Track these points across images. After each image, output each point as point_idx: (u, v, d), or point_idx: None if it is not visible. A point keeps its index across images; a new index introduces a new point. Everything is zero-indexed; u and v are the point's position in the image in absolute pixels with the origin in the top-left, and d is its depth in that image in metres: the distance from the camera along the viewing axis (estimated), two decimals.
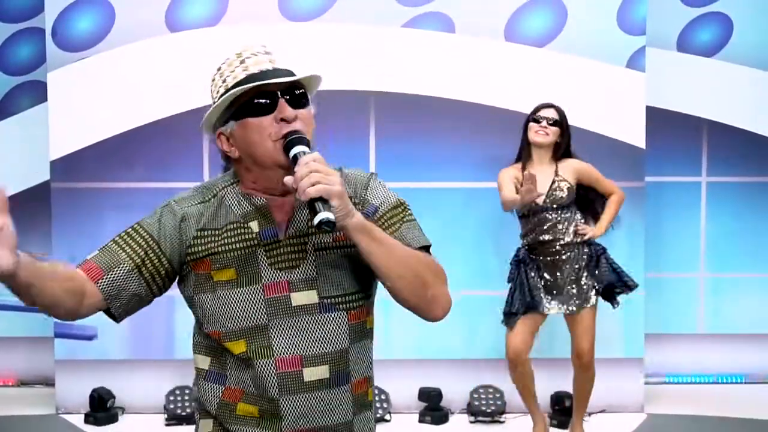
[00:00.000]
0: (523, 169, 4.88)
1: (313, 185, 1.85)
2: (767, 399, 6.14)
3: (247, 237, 2.02)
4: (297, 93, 2.03)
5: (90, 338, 5.75)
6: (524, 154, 4.97)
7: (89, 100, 5.64)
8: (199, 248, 2.04)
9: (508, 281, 5.05)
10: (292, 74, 2.04)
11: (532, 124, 4.92)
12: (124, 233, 2.09)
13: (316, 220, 1.86)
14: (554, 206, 4.89)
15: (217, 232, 2.04)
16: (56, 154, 5.67)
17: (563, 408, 5.55)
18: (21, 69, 6.32)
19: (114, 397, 5.65)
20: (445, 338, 5.78)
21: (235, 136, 2.04)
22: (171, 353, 5.77)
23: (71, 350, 5.74)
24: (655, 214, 6.14)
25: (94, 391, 5.61)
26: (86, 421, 5.58)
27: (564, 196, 4.90)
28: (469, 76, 5.68)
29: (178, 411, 5.53)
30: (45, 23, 5.66)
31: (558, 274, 4.92)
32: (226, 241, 2.02)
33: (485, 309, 5.68)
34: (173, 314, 5.75)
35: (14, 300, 6.34)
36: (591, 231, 4.95)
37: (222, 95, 2.03)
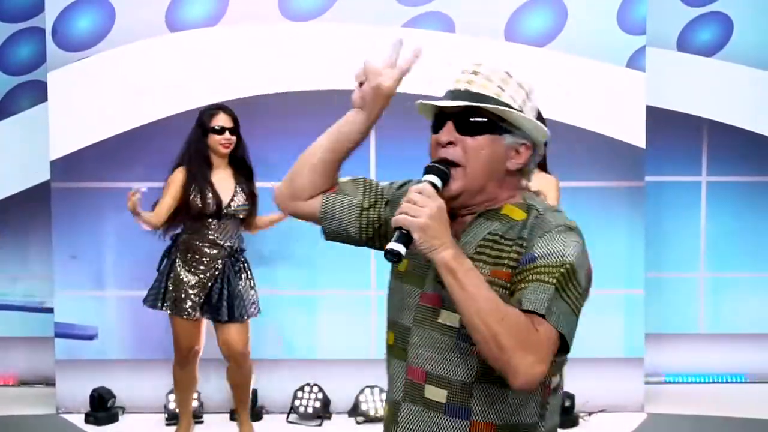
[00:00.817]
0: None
1: (399, 214, 1.87)
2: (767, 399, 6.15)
3: None
4: (471, 120, 1.98)
5: (90, 338, 5.75)
6: None
7: (89, 100, 5.64)
8: (389, 205, 2.16)
9: None
10: (481, 99, 1.98)
11: None
12: (370, 180, 2.29)
13: (386, 247, 1.87)
14: None
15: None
16: (56, 153, 5.67)
17: (563, 408, 5.55)
18: (21, 69, 6.32)
19: (114, 397, 5.65)
20: None
21: None
22: (171, 353, 5.75)
23: (71, 350, 5.74)
24: (655, 213, 6.14)
25: (94, 390, 5.61)
26: (86, 421, 5.58)
27: None
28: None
29: (179, 411, 5.53)
30: (45, 23, 5.66)
31: None
32: None
33: None
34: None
35: (15, 300, 6.24)
36: None
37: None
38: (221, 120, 4.85)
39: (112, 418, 5.61)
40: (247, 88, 5.63)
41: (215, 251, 4.86)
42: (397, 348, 2.06)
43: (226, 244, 4.89)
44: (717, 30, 6.35)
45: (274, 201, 2.24)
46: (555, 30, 5.70)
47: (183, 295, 4.86)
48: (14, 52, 6.32)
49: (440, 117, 2.03)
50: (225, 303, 4.87)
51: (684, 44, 6.34)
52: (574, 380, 5.44)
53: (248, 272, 5.04)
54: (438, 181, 1.95)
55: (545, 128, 2.01)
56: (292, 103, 5.65)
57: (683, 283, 6.44)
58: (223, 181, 4.89)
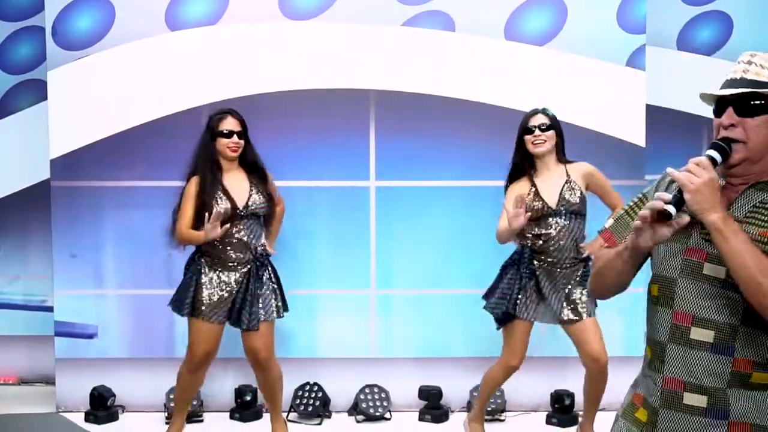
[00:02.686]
0: (532, 181, 4.77)
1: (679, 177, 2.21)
2: None
3: None
4: (749, 103, 2.27)
5: (90, 337, 5.76)
6: (527, 166, 4.80)
7: (89, 99, 5.64)
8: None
9: (498, 280, 4.94)
10: (755, 85, 2.26)
11: (526, 137, 4.76)
12: (634, 202, 2.52)
13: (661, 207, 2.18)
14: (565, 211, 4.75)
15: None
16: (56, 152, 5.67)
17: (563, 406, 5.56)
18: (21, 67, 6.32)
19: (114, 396, 5.66)
20: (445, 337, 5.79)
21: None
22: (171, 351, 5.77)
23: (72, 349, 5.75)
24: None
25: (94, 389, 5.61)
26: (86, 420, 5.59)
27: (575, 201, 4.75)
28: (469, 75, 5.69)
29: (175, 411, 5.53)
30: (45, 22, 5.67)
31: (553, 284, 4.80)
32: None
33: None
34: (173, 313, 5.76)
35: (15, 298, 6.25)
36: (590, 248, 4.76)
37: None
38: (229, 124, 4.83)
39: (112, 416, 5.62)
40: (247, 87, 5.63)
41: (240, 255, 4.78)
42: (663, 298, 2.34)
43: (251, 246, 4.81)
44: (717, 29, 6.35)
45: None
46: (555, 29, 5.71)
47: (207, 300, 4.81)
48: (14, 51, 6.32)
49: (721, 103, 2.33)
50: (247, 309, 4.80)
51: (684, 43, 6.34)
52: (573, 379, 5.45)
53: (272, 275, 4.93)
54: (717, 156, 2.26)
55: None
56: (292, 101, 5.65)
57: None
58: (237, 183, 4.81)
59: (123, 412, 5.71)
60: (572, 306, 4.81)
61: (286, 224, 5.44)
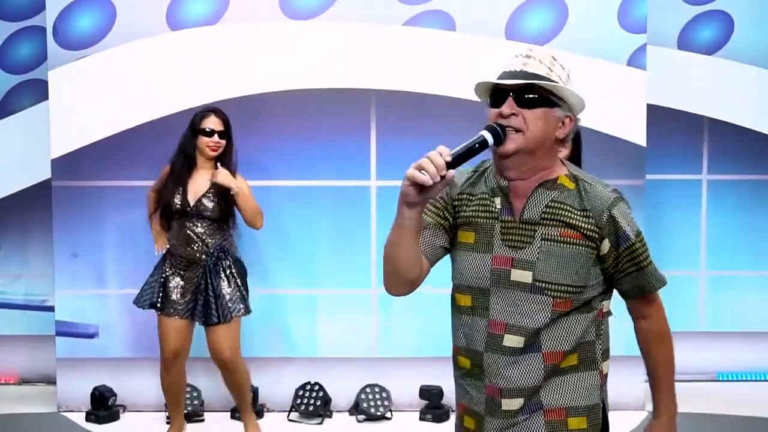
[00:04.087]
0: None
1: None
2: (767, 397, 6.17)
3: (491, 210, 2.35)
4: (528, 95, 2.28)
5: (91, 336, 5.76)
6: None
7: (90, 99, 5.64)
8: (454, 210, 2.41)
9: None
10: (536, 79, 2.29)
11: None
12: (429, 202, 2.41)
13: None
14: None
15: (469, 197, 2.40)
16: (57, 152, 5.67)
17: None
18: (22, 67, 6.32)
19: (115, 395, 5.66)
20: (446, 336, 5.78)
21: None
22: None
23: (72, 348, 5.75)
24: (655, 211, 6.14)
25: (95, 389, 5.61)
26: (87, 419, 5.59)
27: None
28: (470, 75, 5.66)
29: (170, 413, 5.54)
30: (46, 22, 5.67)
31: None
32: (472, 207, 2.39)
33: None
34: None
35: (16, 298, 6.24)
36: None
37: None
38: (211, 123, 4.84)
39: (113, 416, 5.62)
40: (248, 87, 5.63)
41: (193, 252, 4.82)
42: (477, 308, 2.34)
43: (205, 244, 4.83)
44: (718, 28, 6.35)
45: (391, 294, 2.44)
46: (556, 28, 5.71)
47: (168, 296, 4.86)
48: (15, 51, 6.32)
49: (499, 94, 2.30)
50: (206, 306, 4.83)
51: (685, 42, 6.34)
52: None
53: (232, 274, 4.91)
54: (489, 137, 2.25)
55: (584, 101, 2.36)
56: (293, 101, 5.65)
57: (684, 281, 6.45)
58: (200, 182, 4.85)
59: (124, 411, 5.71)
60: None
61: (286, 223, 5.45)
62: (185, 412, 5.51)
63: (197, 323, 4.94)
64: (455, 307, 2.41)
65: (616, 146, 5.69)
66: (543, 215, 2.30)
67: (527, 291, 2.29)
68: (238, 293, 4.93)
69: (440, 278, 5.57)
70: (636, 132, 5.70)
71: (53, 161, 5.69)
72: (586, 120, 5.80)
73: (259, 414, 5.63)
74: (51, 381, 6.04)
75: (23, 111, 6.30)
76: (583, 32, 5.69)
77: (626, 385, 5.74)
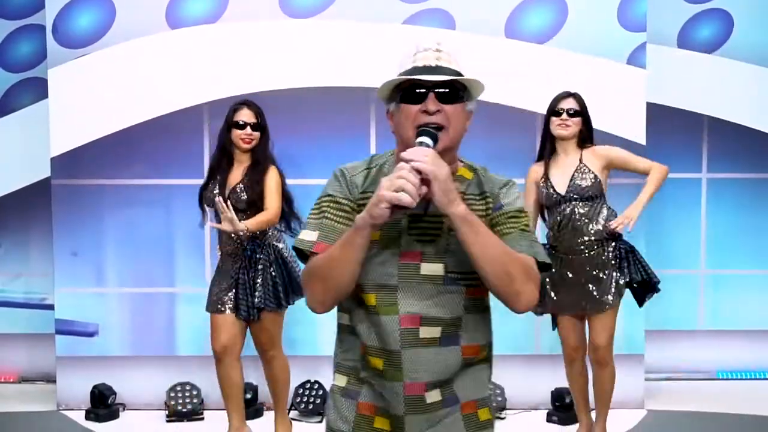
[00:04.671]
0: (546, 164, 4.76)
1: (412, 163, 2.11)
2: (767, 395, 6.16)
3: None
4: (449, 91, 2.27)
5: (91, 335, 5.76)
6: (547, 148, 4.80)
7: (90, 97, 5.64)
8: (361, 209, 2.25)
9: None
10: (455, 74, 2.30)
11: (553, 118, 4.74)
12: (330, 206, 2.37)
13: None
14: (576, 197, 4.68)
15: (372, 195, 2.23)
16: (57, 150, 5.68)
17: (564, 404, 5.56)
18: (21, 66, 6.33)
19: (115, 394, 5.66)
20: None
21: (394, 115, 2.37)
22: (172, 349, 5.78)
23: (72, 347, 5.75)
24: (655, 210, 6.13)
25: (95, 387, 5.61)
26: (87, 418, 5.59)
27: (587, 185, 4.69)
28: (469, 73, 5.67)
29: (179, 407, 5.55)
30: (45, 20, 5.67)
31: (577, 273, 4.71)
32: None
33: None
34: (174, 310, 5.76)
35: (16, 296, 6.25)
36: (622, 219, 4.63)
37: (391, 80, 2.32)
38: (244, 115, 4.81)
39: (112, 414, 5.62)
40: (248, 85, 5.63)
41: (232, 244, 4.77)
42: (383, 306, 2.27)
43: (241, 237, 4.73)
44: (717, 27, 6.36)
45: (319, 313, 2.32)
46: (555, 27, 5.71)
47: (216, 291, 4.83)
48: (15, 49, 6.32)
49: (414, 90, 2.27)
50: (242, 299, 4.75)
51: (684, 41, 6.35)
52: None
53: (270, 265, 4.77)
54: (431, 142, 2.20)
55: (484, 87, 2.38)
56: (292, 100, 5.65)
57: (683, 279, 6.45)
58: (235, 175, 4.81)
59: (124, 410, 5.71)
60: (593, 294, 4.73)
61: None
62: (184, 410, 5.52)
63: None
64: (363, 307, 2.30)
65: (615, 145, 5.68)
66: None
67: (440, 283, 2.26)
68: (270, 287, 4.78)
69: None
70: (636, 130, 5.70)
71: (53, 159, 5.69)
72: None
73: (259, 412, 5.63)
74: (51, 379, 6.04)
75: (23, 109, 6.30)
76: (582, 31, 5.69)
77: (626, 383, 5.74)
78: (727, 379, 6.46)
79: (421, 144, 2.18)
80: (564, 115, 4.72)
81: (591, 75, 5.68)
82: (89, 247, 5.78)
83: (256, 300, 4.75)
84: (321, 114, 5.68)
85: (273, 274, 4.79)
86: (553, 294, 4.77)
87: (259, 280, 4.76)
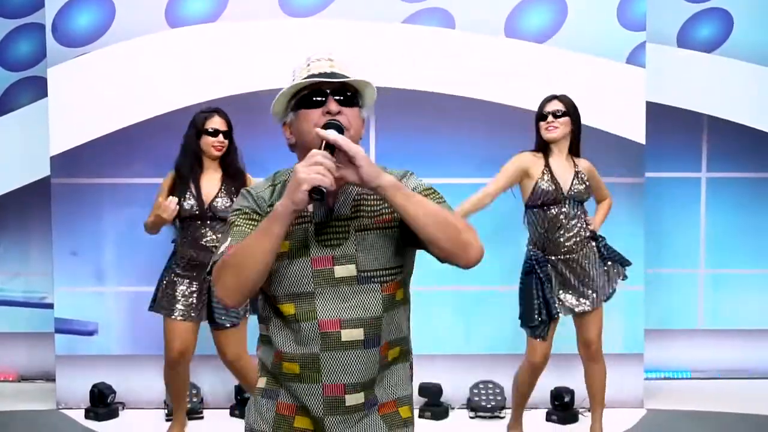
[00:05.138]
0: (546, 159, 4.73)
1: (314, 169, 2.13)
2: (767, 394, 6.16)
3: (302, 215, 2.29)
4: (348, 95, 2.34)
5: (90, 334, 5.76)
6: (546, 149, 4.79)
7: (89, 96, 5.64)
8: None
9: (520, 290, 4.83)
10: (346, 78, 2.34)
11: (541, 123, 4.76)
12: (240, 217, 2.34)
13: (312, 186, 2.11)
14: (575, 198, 4.72)
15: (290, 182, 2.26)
16: (56, 149, 5.68)
17: (563, 403, 5.56)
18: (21, 65, 6.33)
19: (114, 393, 5.66)
20: (445, 334, 5.79)
21: (292, 125, 2.42)
22: None
23: (72, 346, 5.75)
24: (654, 209, 6.15)
25: (94, 386, 5.62)
26: (87, 417, 5.59)
27: (584, 189, 4.74)
28: (469, 72, 5.69)
29: (173, 410, 5.54)
30: (45, 19, 5.67)
31: (572, 272, 4.76)
32: None
33: (485, 304, 5.71)
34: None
35: (15, 295, 6.21)
36: (593, 225, 4.82)
37: (286, 89, 2.39)
38: (215, 123, 4.82)
39: (112, 413, 5.62)
40: (247, 84, 5.63)
41: (206, 253, 4.77)
42: (302, 313, 2.29)
43: (215, 245, 4.81)
44: (717, 26, 6.36)
45: (226, 306, 2.31)
46: (555, 26, 5.71)
47: (176, 298, 4.83)
48: (14, 48, 6.33)
49: (315, 96, 2.33)
50: (215, 309, 4.84)
51: (684, 40, 6.35)
52: (573, 376, 5.46)
53: None
54: (338, 132, 2.22)
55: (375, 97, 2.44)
56: None
57: (683, 279, 6.45)
58: (210, 182, 4.83)
59: (123, 409, 5.71)
60: (583, 297, 4.79)
61: None
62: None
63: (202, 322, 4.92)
64: (281, 317, 2.32)
65: (615, 144, 5.69)
66: (353, 209, 2.32)
67: (354, 283, 2.29)
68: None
69: (440, 276, 5.56)
70: (635, 130, 5.70)
71: (52, 158, 5.69)
72: (585, 118, 5.83)
73: None
74: (50, 378, 6.04)
75: (22, 108, 6.31)
76: (582, 30, 5.69)
77: (624, 382, 5.74)
78: (726, 378, 6.45)
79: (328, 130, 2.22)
80: (550, 118, 4.72)
81: (590, 74, 5.68)
82: (89, 246, 5.78)
83: (224, 310, 4.85)
84: None
85: None
86: (546, 306, 4.77)
87: None
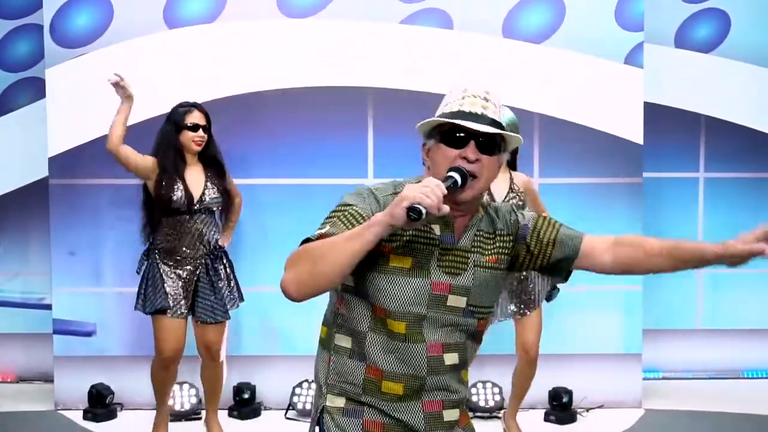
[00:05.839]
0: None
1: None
2: (765, 394, 6.17)
3: (430, 236, 2.34)
4: (491, 142, 2.32)
5: (89, 334, 5.76)
6: None
7: (87, 97, 5.63)
8: (392, 233, 2.24)
9: None
10: (496, 124, 2.31)
11: None
12: (342, 212, 2.32)
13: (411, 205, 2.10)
14: None
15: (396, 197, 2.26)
16: (54, 150, 5.67)
17: (561, 404, 5.56)
18: (19, 65, 6.32)
19: (113, 393, 5.66)
20: None
21: (431, 151, 2.40)
22: None
23: (70, 346, 5.75)
24: (653, 210, 6.15)
25: (92, 387, 5.61)
26: (85, 418, 5.59)
27: (518, 202, 4.77)
28: (467, 73, 5.69)
29: (177, 407, 5.54)
30: (43, 19, 5.66)
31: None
32: (412, 233, 2.32)
33: None
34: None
35: (13, 296, 6.21)
36: None
37: (437, 116, 2.37)
38: (195, 118, 4.84)
39: (110, 414, 5.62)
40: (245, 85, 5.63)
41: (194, 249, 4.82)
42: (412, 334, 2.33)
43: (205, 241, 4.85)
44: (715, 26, 6.36)
45: (289, 296, 2.34)
46: (553, 26, 5.71)
47: (166, 296, 4.84)
48: (12, 49, 6.32)
49: (455, 133, 2.31)
50: (207, 303, 4.87)
51: (682, 41, 6.35)
52: (572, 376, 5.46)
53: (228, 270, 5.00)
54: (459, 180, 2.25)
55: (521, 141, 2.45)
56: (290, 99, 5.65)
57: (681, 279, 6.44)
58: (194, 177, 4.84)
59: (121, 409, 5.71)
60: (524, 296, 4.88)
61: (283, 221, 5.46)
62: (182, 410, 5.53)
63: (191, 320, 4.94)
64: (386, 332, 2.34)
65: (613, 144, 5.69)
66: (474, 243, 2.38)
67: (459, 315, 2.36)
68: (235, 289, 5.03)
69: None
70: (633, 130, 5.70)
71: (50, 159, 5.69)
72: (583, 118, 5.82)
73: (257, 412, 5.64)
74: (48, 379, 6.03)
75: (20, 109, 6.30)
76: (580, 30, 5.70)
77: (623, 382, 5.75)
78: (724, 378, 6.44)
79: (452, 179, 2.23)
80: None
81: (588, 75, 5.69)
82: (87, 246, 5.77)
83: (228, 304, 4.94)
84: (319, 113, 5.67)
85: (231, 281, 5.00)
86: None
87: (223, 286, 4.93)
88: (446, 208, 2.11)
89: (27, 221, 6.35)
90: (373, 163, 5.71)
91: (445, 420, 2.42)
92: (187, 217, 4.81)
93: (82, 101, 5.64)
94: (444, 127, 2.33)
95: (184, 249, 4.82)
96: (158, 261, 4.87)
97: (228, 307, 4.96)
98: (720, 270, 6.44)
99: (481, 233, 2.40)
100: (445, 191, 2.12)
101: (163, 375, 4.98)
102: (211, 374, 5.07)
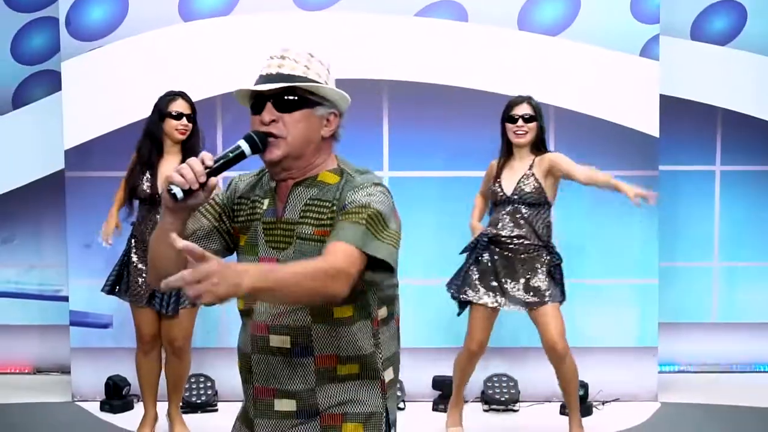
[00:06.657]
0: (500, 166, 4.83)
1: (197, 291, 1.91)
2: None
3: (257, 212, 2.33)
4: (287, 98, 2.28)
5: (105, 326, 5.78)
6: (506, 149, 4.83)
7: (103, 90, 5.66)
8: (234, 214, 2.38)
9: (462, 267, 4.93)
10: (297, 80, 2.29)
11: (508, 125, 4.77)
12: (206, 204, 2.35)
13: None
14: (522, 201, 4.73)
15: (246, 201, 2.37)
16: (70, 143, 5.70)
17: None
18: (35, 58, 6.34)
19: (129, 385, 5.68)
20: (459, 327, 5.79)
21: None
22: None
23: (87, 338, 5.78)
24: (668, 203, 6.12)
25: (109, 378, 5.64)
26: (102, 409, 5.62)
27: (530, 191, 4.72)
28: (482, 65, 5.68)
29: (194, 398, 5.56)
30: (59, 13, 5.69)
31: (509, 271, 4.78)
32: (246, 211, 2.35)
33: None
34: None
35: (30, 288, 6.26)
36: (642, 194, 4.63)
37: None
38: (179, 106, 4.83)
39: (126, 405, 5.65)
40: None
41: None
42: (246, 311, 2.34)
43: None
44: (730, 19, 6.33)
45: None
46: (568, 19, 5.69)
47: (136, 283, 4.86)
48: (28, 42, 6.34)
49: (259, 99, 2.31)
50: (164, 294, 4.82)
51: (697, 33, 6.32)
52: (587, 370, 5.46)
53: None
54: (247, 147, 2.23)
55: (348, 96, 2.36)
56: None
57: (697, 272, 6.43)
58: (169, 166, 4.76)
59: (138, 401, 5.72)
60: (532, 292, 4.78)
61: None
62: (198, 402, 5.54)
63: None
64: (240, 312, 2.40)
65: (629, 137, 5.68)
66: (302, 214, 2.27)
67: None
68: None
69: (454, 269, 5.53)
70: (649, 123, 5.68)
71: (66, 152, 5.71)
72: (599, 111, 5.80)
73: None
74: (65, 370, 6.07)
75: (36, 102, 6.32)
76: (595, 23, 5.68)
77: (638, 375, 5.74)
78: (740, 371, 6.43)
79: (237, 147, 2.22)
80: (519, 122, 4.74)
81: (604, 67, 5.67)
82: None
83: (182, 298, 4.82)
84: None
85: None
86: (477, 281, 4.84)
87: None
88: (212, 180, 2.14)
89: (43, 214, 6.38)
90: (388, 156, 5.71)
91: (276, 409, 2.31)
92: (153, 206, 4.77)
93: (98, 94, 5.66)
94: (249, 97, 2.36)
95: (147, 239, 4.81)
96: (133, 247, 4.91)
97: (180, 302, 4.84)
98: (735, 263, 6.45)
99: (315, 202, 2.27)
100: (210, 162, 2.14)
101: (142, 362, 4.98)
102: (173, 369, 5.02)
